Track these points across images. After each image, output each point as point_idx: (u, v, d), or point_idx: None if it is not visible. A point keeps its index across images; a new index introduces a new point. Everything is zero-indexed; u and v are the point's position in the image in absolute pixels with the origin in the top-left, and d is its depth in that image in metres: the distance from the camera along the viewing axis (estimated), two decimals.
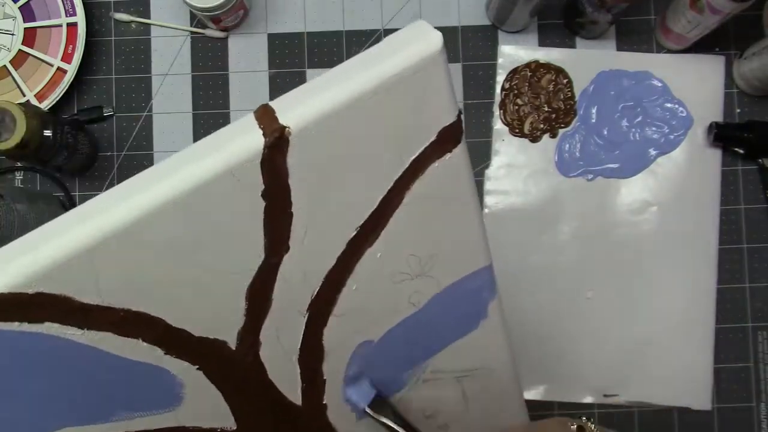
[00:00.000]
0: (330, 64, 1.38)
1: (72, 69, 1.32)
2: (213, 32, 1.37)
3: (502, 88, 1.37)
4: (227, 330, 0.68)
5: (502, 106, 1.37)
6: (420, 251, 0.75)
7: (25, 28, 1.33)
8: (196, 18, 1.38)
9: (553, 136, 1.36)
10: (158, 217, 0.57)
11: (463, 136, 0.69)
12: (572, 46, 1.39)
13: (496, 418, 0.96)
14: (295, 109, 0.59)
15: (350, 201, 0.66)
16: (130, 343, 0.63)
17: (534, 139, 1.36)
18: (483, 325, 0.86)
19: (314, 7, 1.39)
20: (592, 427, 0.77)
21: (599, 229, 1.36)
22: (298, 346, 0.74)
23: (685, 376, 1.35)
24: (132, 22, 1.38)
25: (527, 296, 1.36)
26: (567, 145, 1.36)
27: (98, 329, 0.60)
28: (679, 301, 1.35)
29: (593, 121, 1.36)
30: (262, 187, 0.60)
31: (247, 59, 1.39)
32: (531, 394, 1.34)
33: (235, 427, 0.76)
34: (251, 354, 0.71)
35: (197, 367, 0.68)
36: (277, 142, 0.58)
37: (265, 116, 0.58)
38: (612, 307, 1.35)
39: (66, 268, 0.55)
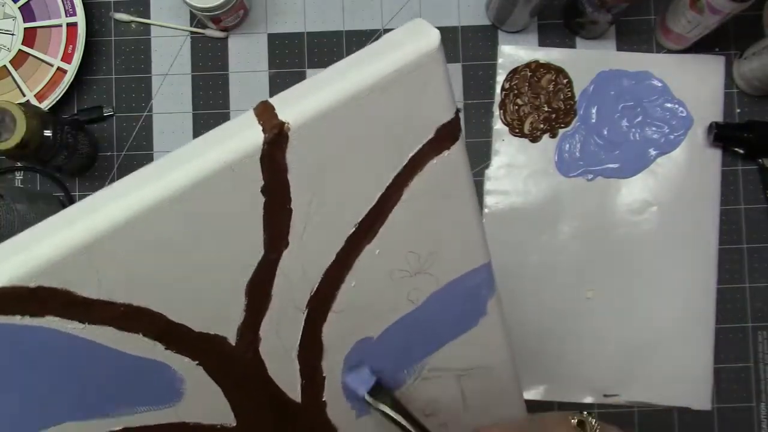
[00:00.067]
0: (330, 64, 1.35)
1: (72, 69, 1.32)
2: (213, 32, 1.38)
3: (502, 88, 1.38)
4: (227, 326, 0.68)
5: (502, 106, 1.37)
6: (419, 248, 0.75)
7: (25, 28, 1.33)
8: (196, 18, 1.38)
9: (553, 136, 1.36)
10: (159, 212, 0.57)
11: (462, 133, 0.70)
12: (572, 46, 1.39)
13: (495, 417, 0.96)
14: (294, 106, 0.59)
15: (349, 197, 0.67)
16: (131, 338, 0.63)
17: (534, 139, 1.36)
18: (482, 323, 0.86)
19: (314, 7, 1.39)
20: (593, 422, 0.77)
21: (599, 229, 1.36)
22: (298, 343, 0.74)
23: (685, 376, 1.35)
24: (132, 22, 1.38)
25: (527, 296, 1.36)
26: (567, 145, 1.36)
27: (99, 324, 0.60)
28: (679, 301, 1.35)
29: (593, 121, 1.36)
30: (262, 182, 0.60)
31: (247, 59, 1.39)
32: (531, 394, 1.34)
33: (234, 424, 0.76)
34: (251, 350, 0.71)
35: (197, 362, 0.68)
36: (276, 138, 0.58)
37: (265, 112, 0.59)
38: (612, 307, 1.35)
39: (67, 262, 0.55)
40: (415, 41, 0.63)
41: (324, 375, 0.79)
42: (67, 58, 1.32)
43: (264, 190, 0.61)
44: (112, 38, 1.38)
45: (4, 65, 1.33)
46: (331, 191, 0.65)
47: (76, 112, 1.36)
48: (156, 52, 1.39)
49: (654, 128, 1.35)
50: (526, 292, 1.36)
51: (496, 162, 1.37)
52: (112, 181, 1.36)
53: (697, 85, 1.36)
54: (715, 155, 1.36)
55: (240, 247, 0.63)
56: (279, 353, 0.73)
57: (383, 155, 0.66)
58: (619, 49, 1.39)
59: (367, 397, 0.79)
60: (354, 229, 0.69)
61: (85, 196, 1.27)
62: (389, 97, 0.62)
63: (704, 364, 1.34)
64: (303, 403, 0.79)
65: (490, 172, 1.37)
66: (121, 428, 0.68)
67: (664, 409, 1.34)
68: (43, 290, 0.56)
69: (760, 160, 1.34)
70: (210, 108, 1.38)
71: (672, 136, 1.35)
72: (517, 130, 1.36)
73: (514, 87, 1.37)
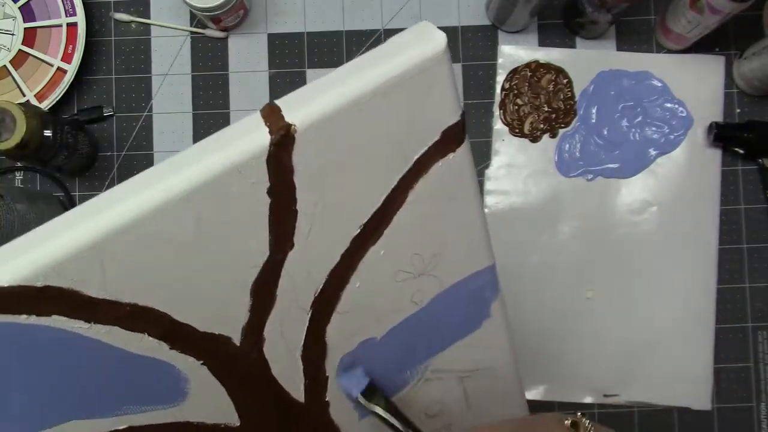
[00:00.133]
0: (330, 64, 1.38)
1: (72, 69, 1.32)
2: (213, 32, 1.37)
3: (502, 88, 1.38)
4: (232, 326, 0.68)
5: (502, 106, 1.37)
6: (423, 250, 0.75)
7: (25, 28, 1.33)
8: (196, 18, 1.38)
9: (553, 136, 1.36)
10: (165, 212, 0.57)
11: (467, 136, 0.70)
12: (572, 46, 1.39)
13: (498, 418, 0.96)
14: (301, 108, 0.60)
15: (354, 199, 0.67)
16: (136, 338, 0.63)
17: (534, 139, 1.36)
18: (486, 325, 0.86)
19: (314, 7, 1.39)
20: (586, 423, 0.77)
21: (599, 229, 1.36)
22: (302, 343, 0.74)
23: (685, 376, 1.35)
24: (132, 22, 1.38)
25: (527, 296, 1.36)
26: (567, 145, 1.36)
27: (105, 323, 0.60)
28: (679, 301, 1.35)
29: (593, 121, 1.36)
30: (268, 184, 0.61)
31: (247, 59, 1.39)
32: (531, 394, 1.34)
33: (238, 423, 0.76)
34: (255, 350, 0.71)
35: (202, 362, 0.69)
36: (283, 139, 0.59)
37: (272, 114, 0.59)
38: (612, 307, 1.35)
39: (74, 262, 0.56)
40: (421, 44, 0.63)
41: (327, 375, 0.79)
42: (67, 58, 1.32)
43: (270, 192, 0.61)
44: (112, 38, 1.38)
45: (4, 65, 1.33)
46: (336, 193, 0.65)
47: (76, 112, 1.36)
48: (156, 52, 1.39)
49: (654, 128, 1.35)
50: (526, 292, 1.36)
51: (496, 162, 1.37)
52: (112, 181, 1.36)
53: (697, 85, 1.37)
54: (715, 155, 1.36)
55: (245, 247, 0.64)
56: (283, 353, 0.74)
57: (389, 157, 0.66)
58: (619, 49, 1.39)
59: (360, 399, 0.79)
60: (359, 230, 0.69)
61: (85, 196, 1.29)
62: (395, 100, 0.63)
63: (704, 364, 1.35)
64: (306, 403, 0.80)
65: (490, 172, 1.37)
66: (125, 427, 0.69)
67: (664, 409, 1.34)
68: (49, 290, 0.56)
69: (760, 160, 1.34)
70: (210, 108, 1.38)
71: (672, 136, 1.35)
72: (517, 130, 1.36)
73: (514, 87, 1.37)
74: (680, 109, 1.35)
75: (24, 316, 0.56)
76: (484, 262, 0.81)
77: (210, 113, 1.38)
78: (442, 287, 0.79)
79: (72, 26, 1.32)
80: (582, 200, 1.36)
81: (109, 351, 0.62)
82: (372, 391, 0.80)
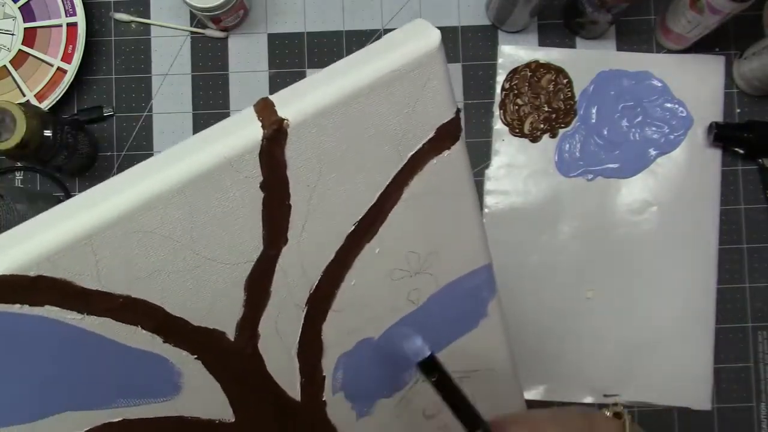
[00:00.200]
0: (330, 64, 1.37)
1: (72, 69, 1.32)
2: (213, 32, 1.38)
3: (502, 88, 1.38)
4: (226, 320, 0.68)
5: (502, 106, 1.37)
6: (419, 248, 0.75)
7: (25, 28, 1.33)
8: (196, 18, 1.38)
9: (553, 136, 1.36)
10: (158, 205, 0.58)
11: (462, 133, 0.70)
12: (572, 46, 1.39)
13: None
14: (294, 103, 0.60)
15: (349, 195, 0.67)
16: (129, 330, 0.63)
17: (534, 139, 1.36)
18: (483, 324, 0.86)
19: (314, 7, 1.39)
20: (625, 413, 0.78)
21: (599, 229, 1.36)
22: (297, 341, 0.74)
23: (685, 376, 1.35)
24: (132, 22, 1.38)
25: (527, 296, 1.36)
26: (567, 145, 1.36)
27: (98, 314, 0.61)
28: (679, 301, 1.35)
29: (593, 121, 1.36)
30: (261, 178, 0.61)
31: (247, 59, 1.39)
32: (531, 394, 1.34)
33: (233, 420, 0.76)
34: (250, 346, 0.71)
35: (196, 356, 0.69)
36: (275, 134, 0.59)
37: (265, 109, 0.60)
38: (612, 307, 1.35)
39: (67, 252, 0.56)
40: (415, 41, 0.64)
41: (324, 374, 0.79)
42: (67, 58, 1.32)
43: (263, 186, 0.61)
44: (112, 38, 1.38)
45: (4, 65, 1.33)
46: (330, 189, 0.65)
47: (76, 112, 1.36)
48: (156, 52, 1.39)
49: (654, 128, 1.35)
50: (526, 292, 1.36)
51: (496, 162, 1.37)
52: None
53: (697, 85, 1.36)
54: (715, 155, 1.36)
55: (239, 242, 0.64)
56: (278, 350, 0.74)
57: (383, 154, 0.66)
58: (619, 49, 1.39)
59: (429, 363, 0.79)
60: (354, 227, 0.69)
61: None
62: (389, 96, 0.63)
63: (704, 364, 1.34)
64: (302, 402, 0.79)
65: (490, 172, 1.37)
66: (119, 420, 0.69)
67: (664, 409, 1.34)
68: (43, 280, 0.56)
69: (760, 160, 1.34)
70: (210, 108, 1.38)
71: (672, 136, 1.35)
72: (517, 130, 1.36)
73: (514, 87, 1.37)
74: (680, 109, 1.35)
75: (17, 306, 0.57)
76: (481, 261, 0.81)
77: (210, 113, 1.38)
78: (439, 286, 0.79)
79: (72, 26, 1.32)
80: (582, 200, 1.36)
81: (102, 343, 0.62)
82: (430, 364, 0.79)
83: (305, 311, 0.72)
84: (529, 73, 1.38)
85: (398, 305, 0.78)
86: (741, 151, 1.34)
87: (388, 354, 0.82)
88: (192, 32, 1.38)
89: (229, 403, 0.75)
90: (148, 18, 1.39)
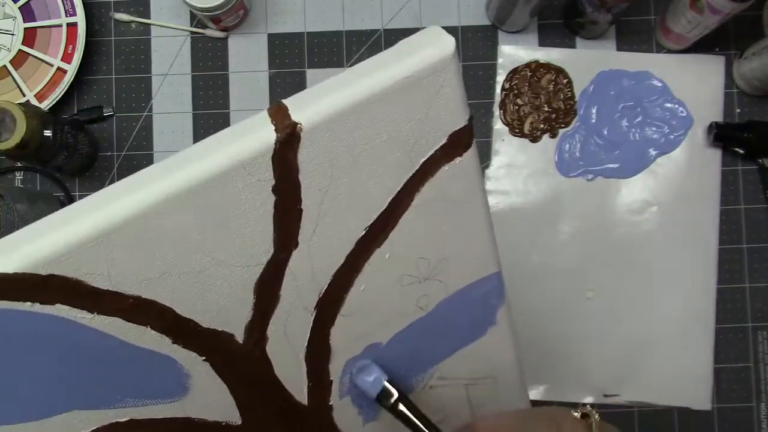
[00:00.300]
0: (330, 64, 1.38)
1: (72, 69, 1.32)
2: (213, 32, 1.37)
3: (502, 88, 1.38)
4: (235, 323, 0.68)
5: (502, 106, 1.37)
6: (429, 254, 0.75)
7: (25, 28, 1.33)
8: (196, 18, 1.38)
9: (553, 136, 1.36)
10: (171, 207, 0.58)
11: (474, 140, 0.70)
12: (572, 46, 1.39)
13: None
14: (307, 108, 0.61)
15: (360, 200, 0.67)
16: (139, 330, 0.63)
17: (534, 139, 1.36)
18: (491, 332, 0.86)
19: (314, 7, 1.39)
20: (596, 416, 0.78)
21: (599, 229, 1.36)
22: (305, 344, 0.74)
23: (685, 376, 1.35)
24: (132, 22, 1.38)
25: (527, 296, 1.36)
26: (567, 145, 1.36)
27: (108, 314, 0.61)
28: (679, 301, 1.35)
29: (593, 121, 1.36)
30: (273, 182, 0.61)
31: (247, 59, 1.39)
32: (531, 394, 1.34)
33: (240, 422, 0.76)
34: (258, 349, 0.71)
35: (204, 358, 0.69)
36: (288, 138, 0.59)
37: (278, 113, 0.60)
38: (612, 307, 1.35)
39: (79, 252, 0.57)
40: (430, 48, 0.64)
41: (331, 379, 0.79)
42: (67, 58, 1.32)
43: (275, 190, 0.62)
44: (112, 38, 1.38)
45: (4, 65, 1.33)
46: (342, 193, 0.65)
47: (76, 112, 1.36)
48: (156, 52, 1.38)
49: (654, 128, 1.35)
50: (526, 292, 1.36)
51: (496, 162, 1.37)
52: (112, 181, 1.35)
53: (697, 85, 1.37)
54: (715, 155, 1.36)
55: (250, 244, 0.64)
56: (286, 354, 0.74)
57: (395, 159, 0.66)
58: (619, 49, 1.39)
59: (387, 386, 0.78)
60: (364, 232, 0.69)
61: (85, 196, 1.28)
62: (402, 103, 0.63)
63: (704, 364, 1.35)
64: (309, 406, 0.79)
65: (490, 172, 1.37)
66: (126, 419, 0.69)
67: (664, 409, 1.34)
68: (54, 278, 0.57)
69: (760, 160, 1.35)
70: (210, 108, 1.38)
71: (672, 136, 1.35)
72: (517, 130, 1.36)
73: (514, 87, 1.37)
74: (680, 109, 1.35)
75: (28, 304, 0.57)
76: (491, 269, 0.81)
77: (210, 113, 1.37)
78: (448, 293, 0.79)
79: (72, 26, 1.32)
80: (582, 200, 1.36)
81: (111, 342, 0.63)
82: (389, 391, 0.79)
83: (314, 315, 0.72)
84: (529, 73, 1.38)
85: (407, 311, 0.78)
86: (741, 151, 1.34)
87: (395, 360, 0.81)
88: (192, 32, 1.38)
89: (236, 406, 0.75)
90: (148, 18, 1.38)
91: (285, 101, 0.60)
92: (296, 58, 1.39)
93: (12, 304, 0.56)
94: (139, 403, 0.69)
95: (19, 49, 1.33)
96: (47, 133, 1.16)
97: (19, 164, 1.35)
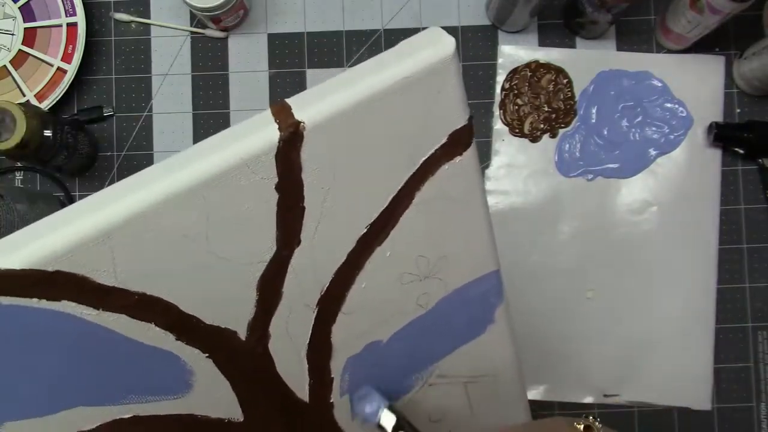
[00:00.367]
0: (330, 64, 1.38)
1: (72, 69, 1.32)
2: (213, 32, 1.37)
3: (502, 88, 1.38)
4: (238, 320, 0.69)
5: (502, 106, 1.37)
6: (429, 252, 0.75)
7: (25, 28, 1.33)
8: (196, 18, 1.38)
9: (553, 136, 1.36)
10: (175, 204, 0.59)
11: (474, 139, 0.70)
12: (572, 46, 1.39)
13: (501, 424, 0.96)
14: (310, 107, 0.61)
15: (361, 198, 0.68)
16: (143, 327, 0.64)
17: (534, 139, 1.36)
18: (490, 330, 0.86)
19: (314, 7, 1.39)
20: (599, 426, 0.77)
21: (599, 229, 1.36)
22: (307, 342, 0.75)
23: (685, 376, 1.35)
24: (132, 22, 1.38)
25: (527, 296, 1.36)
26: (567, 145, 1.36)
27: (113, 311, 0.62)
28: (679, 301, 1.35)
29: (593, 121, 1.36)
30: (276, 180, 0.62)
31: (247, 59, 1.39)
32: (531, 394, 1.34)
33: (242, 418, 0.76)
34: (260, 346, 0.72)
35: (207, 355, 0.70)
36: (291, 136, 0.60)
37: (282, 112, 0.61)
38: (612, 307, 1.35)
39: (85, 249, 0.57)
40: (430, 48, 0.65)
41: (332, 376, 0.79)
42: (67, 58, 1.32)
43: (278, 188, 0.62)
44: (112, 38, 1.38)
45: (4, 65, 1.33)
46: (344, 192, 0.66)
47: (76, 112, 1.36)
48: (156, 52, 1.38)
49: (654, 128, 1.35)
50: (526, 292, 1.36)
51: (496, 162, 1.37)
52: (112, 181, 1.36)
53: (697, 85, 1.37)
54: (715, 155, 1.36)
55: (253, 242, 0.65)
56: (288, 351, 0.74)
57: (396, 158, 0.67)
58: (619, 49, 1.39)
59: (382, 422, 0.79)
60: (365, 230, 0.70)
61: (85, 196, 1.27)
62: (403, 102, 0.64)
63: (704, 364, 1.35)
64: (310, 403, 0.80)
65: (490, 172, 1.37)
66: (130, 416, 0.70)
67: (664, 409, 1.34)
68: (60, 275, 0.58)
69: (760, 160, 1.35)
70: (210, 108, 1.38)
71: (672, 136, 1.35)
72: (517, 130, 1.36)
73: (514, 87, 1.37)
74: (680, 109, 1.35)
75: (35, 300, 0.58)
76: (490, 267, 0.81)
77: (210, 113, 1.37)
78: (447, 291, 0.80)
79: (72, 26, 1.32)
80: (582, 200, 1.36)
81: (116, 339, 0.63)
82: (393, 415, 0.79)
83: (316, 312, 0.73)
84: (529, 73, 1.38)
85: (407, 309, 0.79)
86: (741, 151, 1.34)
87: (395, 357, 0.82)
88: (192, 32, 1.38)
89: (239, 403, 0.75)
90: (148, 18, 1.38)
91: (288, 100, 0.61)
92: (296, 58, 1.39)
93: (19, 300, 0.57)
94: (143, 399, 0.69)
95: (19, 49, 1.33)
96: (47, 133, 1.16)
97: (19, 164, 1.35)
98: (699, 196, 1.35)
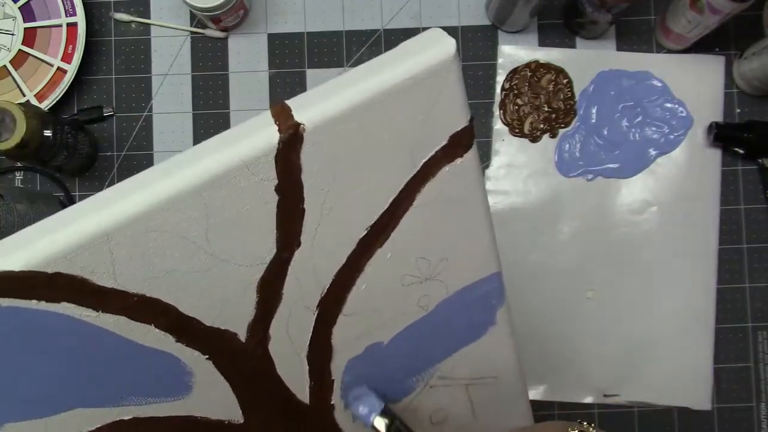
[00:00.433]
0: (330, 64, 1.38)
1: (72, 69, 1.32)
2: (213, 32, 1.37)
3: (502, 88, 1.38)
4: (238, 322, 0.69)
5: (502, 106, 1.37)
6: (429, 254, 0.75)
7: (25, 28, 1.33)
8: (196, 18, 1.38)
9: (553, 136, 1.36)
10: (175, 206, 0.59)
11: (475, 141, 0.70)
12: (572, 46, 1.39)
13: (502, 426, 0.96)
14: (310, 108, 0.61)
15: (362, 200, 0.68)
16: (143, 329, 0.64)
17: (534, 139, 1.36)
18: (491, 332, 0.86)
19: (314, 7, 1.39)
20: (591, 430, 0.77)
21: (599, 229, 1.36)
22: (307, 343, 0.75)
23: (685, 376, 1.35)
24: (132, 22, 1.38)
25: (527, 296, 1.36)
26: (567, 145, 1.36)
27: (112, 312, 0.62)
28: (679, 301, 1.35)
29: (593, 121, 1.36)
30: (276, 181, 0.62)
31: (247, 59, 1.39)
32: (531, 394, 1.34)
33: (242, 420, 0.76)
34: (261, 347, 0.72)
35: (207, 356, 0.70)
36: (291, 138, 0.60)
37: (282, 113, 0.61)
38: (612, 307, 1.35)
39: (84, 250, 0.57)
40: (431, 50, 0.65)
41: (333, 378, 0.79)
42: (67, 58, 1.32)
43: (278, 189, 0.62)
44: (112, 38, 1.38)
45: (4, 65, 1.32)
46: (344, 193, 0.66)
47: (76, 112, 1.36)
48: (156, 52, 1.38)
49: (654, 128, 1.35)
50: (526, 292, 1.36)
51: (496, 162, 1.37)
52: (112, 181, 1.36)
53: (697, 85, 1.37)
54: (715, 155, 1.36)
55: (253, 244, 0.65)
56: (288, 353, 0.74)
57: (396, 160, 0.67)
58: (619, 49, 1.39)
59: (376, 424, 0.79)
60: (366, 232, 0.70)
61: (85, 196, 1.28)
62: (404, 104, 0.64)
63: (704, 364, 1.35)
64: (311, 405, 0.80)
65: (490, 172, 1.37)
66: (130, 418, 0.70)
67: (664, 409, 1.34)
68: (60, 277, 0.58)
69: (760, 160, 1.35)
70: (210, 108, 1.38)
71: (672, 136, 1.35)
72: (517, 130, 1.36)
73: (514, 87, 1.37)
74: (680, 109, 1.35)
75: (35, 302, 0.58)
76: (491, 269, 0.81)
77: (210, 113, 1.37)
78: (448, 293, 0.80)
79: (72, 26, 1.32)
80: (582, 200, 1.36)
81: (115, 341, 0.63)
82: (388, 417, 0.79)
83: (316, 314, 0.73)
84: (529, 73, 1.38)
85: (408, 311, 0.79)
86: (741, 151, 1.34)
87: (396, 359, 0.82)
88: (192, 32, 1.38)
89: (239, 404, 0.75)
90: (148, 18, 1.38)
91: (288, 102, 0.61)
92: (296, 58, 1.39)
93: (18, 302, 0.57)
94: (143, 401, 0.69)
95: (19, 49, 1.33)
96: (47, 133, 1.16)
97: (19, 164, 1.35)
98: (699, 196, 1.35)
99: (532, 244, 1.36)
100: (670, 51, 1.38)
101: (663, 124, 1.35)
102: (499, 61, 1.38)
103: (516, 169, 1.36)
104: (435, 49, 0.64)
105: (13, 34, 1.33)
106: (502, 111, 1.37)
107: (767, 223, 1.36)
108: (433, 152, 0.68)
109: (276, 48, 1.39)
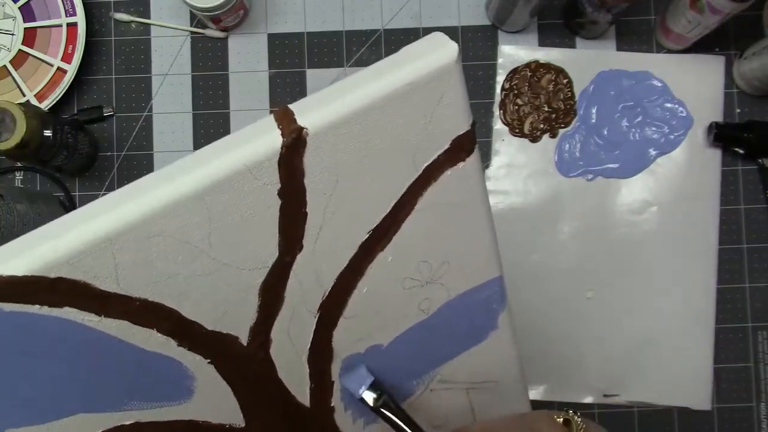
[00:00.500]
0: (330, 64, 1.38)
1: (72, 69, 1.32)
2: (213, 32, 1.37)
3: (502, 88, 1.38)
4: (239, 325, 0.69)
5: (502, 106, 1.37)
6: (431, 258, 0.75)
7: (25, 28, 1.33)
8: (196, 18, 1.38)
9: (553, 136, 1.36)
10: (178, 210, 0.59)
11: (477, 145, 0.70)
12: (572, 46, 1.39)
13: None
14: (313, 112, 0.61)
15: (364, 204, 0.68)
16: (145, 333, 0.64)
17: (534, 139, 1.36)
18: (493, 337, 0.86)
19: (314, 7, 1.39)
20: (578, 420, 0.77)
21: (599, 229, 1.36)
22: (308, 346, 0.75)
23: (685, 376, 1.35)
24: (132, 22, 1.38)
25: (527, 296, 1.36)
26: (567, 145, 1.36)
27: (115, 317, 0.62)
28: (679, 301, 1.35)
29: (593, 121, 1.36)
30: (279, 185, 0.62)
31: (247, 59, 1.39)
32: (531, 394, 1.33)
33: (243, 424, 0.76)
34: (262, 351, 0.72)
35: (209, 361, 0.70)
36: (294, 142, 0.60)
37: (285, 117, 0.61)
38: (612, 307, 1.35)
39: (87, 255, 0.57)
40: (433, 54, 0.65)
41: (333, 380, 0.79)
42: (67, 58, 1.32)
43: (281, 193, 0.62)
44: (112, 38, 1.38)
45: (4, 65, 1.32)
46: (346, 197, 0.66)
47: (76, 112, 1.36)
48: (156, 52, 1.38)
49: (654, 128, 1.35)
50: (526, 292, 1.36)
51: (496, 162, 1.37)
52: (112, 181, 1.36)
53: (697, 85, 1.37)
54: (715, 155, 1.36)
55: (255, 248, 0.65)
56: (290, 356, 0.74)
57: (399, 164, 0.67)
58: (619, 49, 1.39)
59: (364, 396, 0.79)
60: (368, 235, 0.70)
61: (85, 196, 1.28)
62: (406, 108, 0.64)
63: (704, 364, 1.35)
64: (312, 407, 0.80)
65: (490, 172, 1.37)
66: (131, 422, 0.69)
67: (664, 409, 1.35)
68: (62, 281, 0.58)
69: (760, 160, 1.35)
70: (210, 108, 1.37)
71: (672, 136, 1.35)
72: (517, 130, 1.36)
73: (514, 87, 1.37)
74: (680, 109, 1.35)
75: (37, 307, 0.58)
76: (492, 273, 0.81)
77: (210, 113, 1.37)
78: (450, 296, 0.80)
79: (72, 26, 1.32)
80: (582, 200, 1.36)
81: (117, 345, 0.63)
82: (376, 391, 0.79)
83: (317, 317, 0.73)
84: (529, 73, 1.38)
85: (409, 314, 0.79)
86: (741, 151, 1.34)
87: (396, 362, 0.82)
88: (192, 32, 1.38)
89: (240, 408, 0.75)
90: (148, 18, 1.38)
91: (291, 106, 0.61)
92: (296, 58, 1.39)
93: (21, 307, 0.57)
94: (145, 406, 0.69)
95: (19, 49, 1.33)
96: (47, 133, 1.16)
97: (19, 164, 1.35)
98: (699, 196, 1.36)
99: (532, 244, 1.36)
100: (670, 51, 1.38)
101: (663, 124, 1.35)
102: (499, 61, 1.38)
103: (516, 169, 1.37)
104: (437, 53, 0.64)
105: (13, 34, 1.33)
106: (502, 111, 1.37)
107: (767, 223, 1.36)
108: (435, 156, 0.68)
109: (276, 48, 1.38)
